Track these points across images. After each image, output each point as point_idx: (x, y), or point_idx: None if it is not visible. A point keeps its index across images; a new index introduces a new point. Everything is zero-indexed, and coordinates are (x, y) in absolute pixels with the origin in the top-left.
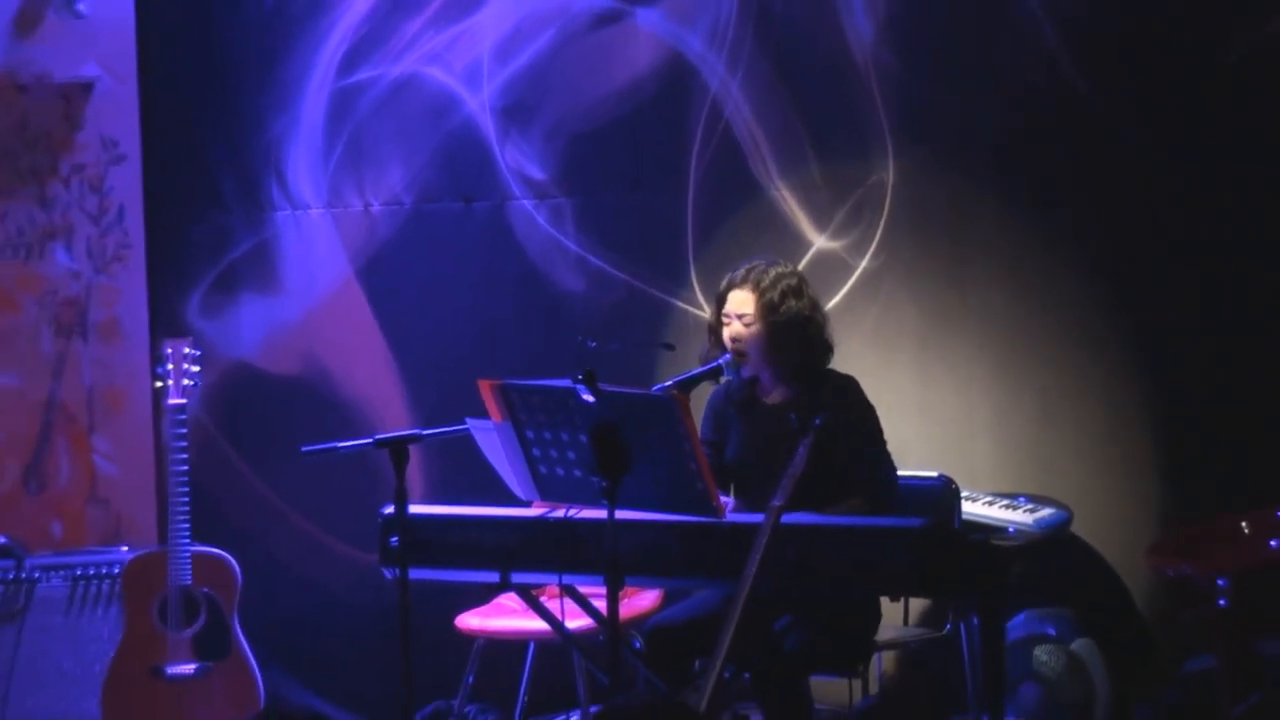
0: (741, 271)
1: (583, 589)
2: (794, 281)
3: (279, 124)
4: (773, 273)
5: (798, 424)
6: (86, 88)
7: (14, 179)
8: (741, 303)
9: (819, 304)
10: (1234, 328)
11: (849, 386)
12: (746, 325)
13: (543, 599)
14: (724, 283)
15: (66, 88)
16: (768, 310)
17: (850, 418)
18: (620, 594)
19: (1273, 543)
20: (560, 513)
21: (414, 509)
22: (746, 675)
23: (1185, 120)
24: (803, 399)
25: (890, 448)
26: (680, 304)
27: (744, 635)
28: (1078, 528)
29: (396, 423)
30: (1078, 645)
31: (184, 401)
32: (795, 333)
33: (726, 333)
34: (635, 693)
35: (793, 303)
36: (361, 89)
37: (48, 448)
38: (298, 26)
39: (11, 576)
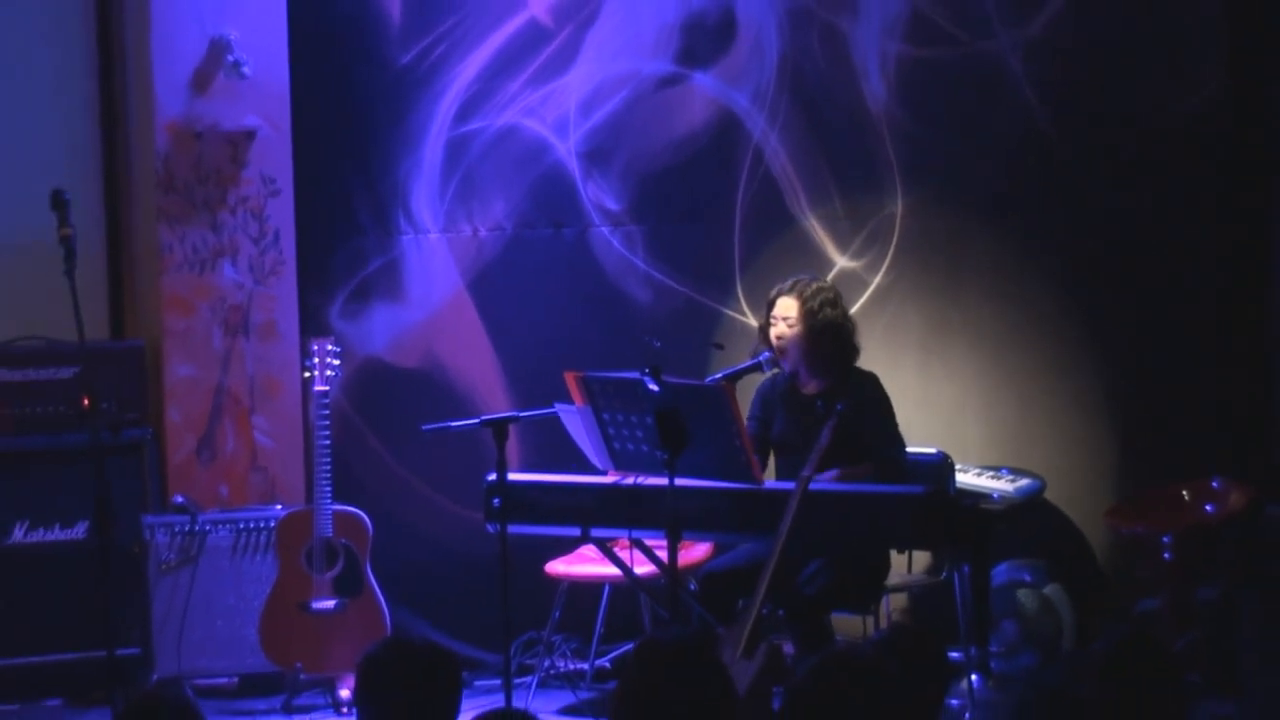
0: (789, 283)
1: (648, 542)
2: (831, 294)
3: (405, 164)
4: (814, 286)
5: (823, 409)
6: (249, 135)
7: (191, 209)
8: (787, 308)
9: (849, 314)
10: (1179, 337)
11: (870, 381)
12: (790, 327)
13: (616, 549)
14: (774, 291)
15: (233, 135)
16: (808, 315)
17: (870, 406)
18: (678, 546)
19: (1208, 507)
20: (630, 480)
21: (512, 476)
22: (781, 612)
23: (1134, 168)
24: (833, 390)
25: (900, 429)
26: (729, 312)
27: (779, 579)
28: (1050, 494)
29: (498, 406)
30: (1049, 589)
31: (327, 389)
32: (829, 335)
33: (773, 332)
34: (671, 628)
35: (829, 311)
36: (472, 136)
37: (217, 425)
38: (421, 85)
39: (188, 529)
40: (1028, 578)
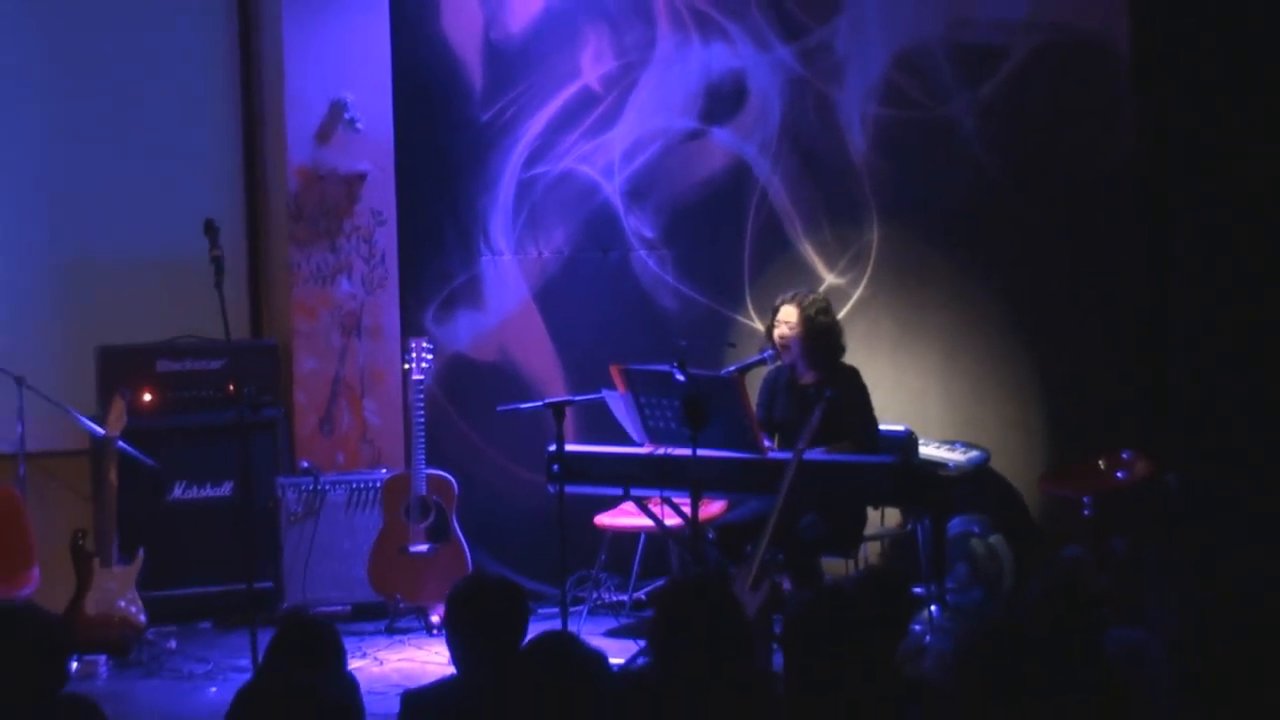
0: (791, 294)
1: (676, 499)
2: (824, 304)
3: (484, 200)
4: (811, 297)
5: (815, 395)
6: (361, 177)
7: (315, 235)
8: (789, 314)
9: (838, 320)
10: (1098, 340)
11: (852, 373)
12: (790, 329)
13: (650, 506)
14: (778, 300)
15: (349, 177)
16: (806, 321)
17: (852, 393)
18: (699, 503)
19: (1120, 474)
20: (661, 451)
21: (568, 447)
22: (781, 555)
23: (1063, 206)
24: (823, 380)
25: (875, 411)
26: (740, 318)
27: (780, 530)
28: (994, 463)
29: (557, 392)
30: (994, 539)
31: (422, 378)
32: (822, 336)
33: (776, 333)
34: (691, 571)
35: (823, 317)
36: (537, 179)
37: (335, 406)
38: (498, 138)
39: (312, 488)
40: (976, 529)
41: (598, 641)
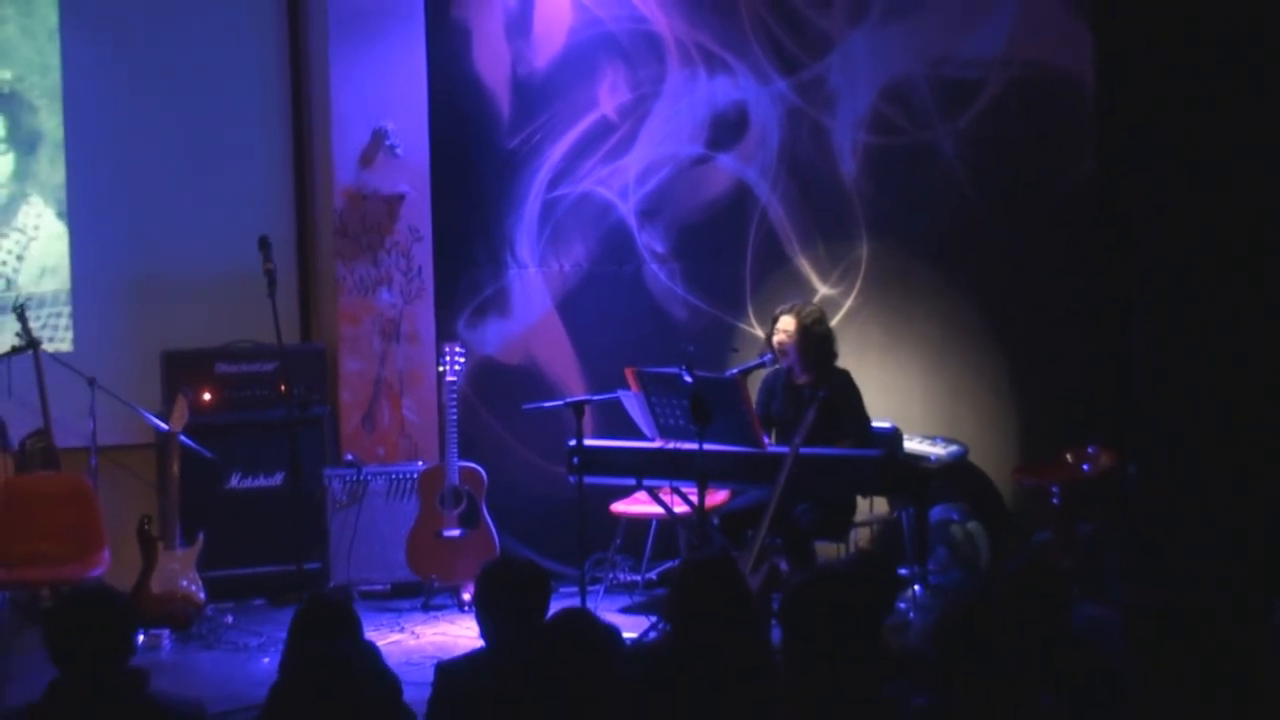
0: (788, 305)
1: (684, 489)
2: (818, 314)
3: (511, 219)
4: (808, 308)
5: (809, 395)
6: (400, 198)
7: (359, 250)
8: (787, 324)
9: (831, 329)
10: (1066, 344)
11: (844, 375)
12: (788, 337)
13: (661, 495)
14: (777, 310)
15: (389, 198)
16: (802, 330)
17: (845, 394)
18: (705, 492)
19: (1085, 466)
20: (671, 445)
21: (587, 442)
22: (779, 540)
23: (1033, 223)
24: (817, 381)
25: (866, 410)
26: (742, 325)
27: (778, 517)
28: (972, 457)
29: (577, 392)
30: (971, 525)
31: (455, 379)
32: (816, 343)
33: (775, 340)
34: (708, 549)
35: (818, 327)
36: (560, 199)
37: (377, 405)
38: (524, 163)
39: (355, 478)
40: (956, 516)
41: (613, 617)
